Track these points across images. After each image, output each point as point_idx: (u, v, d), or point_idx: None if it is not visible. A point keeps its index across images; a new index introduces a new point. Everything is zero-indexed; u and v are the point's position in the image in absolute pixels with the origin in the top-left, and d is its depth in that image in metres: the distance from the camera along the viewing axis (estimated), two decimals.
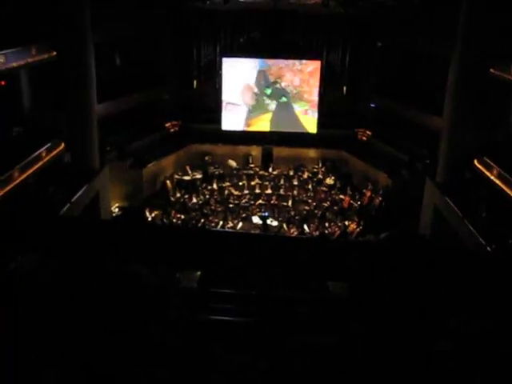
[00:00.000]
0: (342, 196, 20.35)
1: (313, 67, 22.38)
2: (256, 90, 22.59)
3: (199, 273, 5.51)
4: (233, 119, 22.88)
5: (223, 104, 22.67)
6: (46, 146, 15.47)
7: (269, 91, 22.65)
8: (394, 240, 7.01)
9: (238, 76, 22.44)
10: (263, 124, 23.01)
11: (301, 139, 23.04)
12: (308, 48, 22.80)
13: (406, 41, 20.60)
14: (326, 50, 22.84)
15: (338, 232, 17.70)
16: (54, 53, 15.75)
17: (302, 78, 22.45)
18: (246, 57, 22.45)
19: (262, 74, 22.47)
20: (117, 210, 19.31)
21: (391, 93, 22.00)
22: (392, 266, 5.41)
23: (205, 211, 19.06)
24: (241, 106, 22.71)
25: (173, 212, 18.45)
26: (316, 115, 22.75)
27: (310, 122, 22.85)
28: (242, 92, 22.58)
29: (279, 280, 5.51)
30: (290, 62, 22.34)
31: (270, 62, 22.39)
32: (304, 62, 22.38)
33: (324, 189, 20.95)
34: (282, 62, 22.36)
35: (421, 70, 21.25)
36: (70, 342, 3.53)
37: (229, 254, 6.04)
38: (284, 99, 22.72)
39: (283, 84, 22.52)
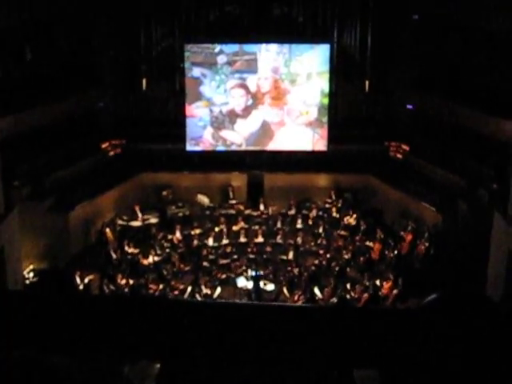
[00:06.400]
0: (369, 243, 20.40)
1: (319, 54, 22.79)
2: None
3: (158, 365, 5.50)
4: (203, 134, 23.14)
5: (193, 113, 22.94)
6: None
7: None
8: (447, 306, 7.06)
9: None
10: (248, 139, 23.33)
11: (304, 161, 23.25)
12: (311, 26, 23.22)
13: (456, 12, 20.83)
14: (338, 28, 23.25)
15: (366, 296, 17.71)
16: None
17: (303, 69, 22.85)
18: (219, 42, 22.79)
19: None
20: (31, 274, 19.17)
21: (437, 88, 22.26)
22: (444, 347, 5.44)
23: (164, 273, 18.98)
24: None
25: (119, 276, 18.33)
26: (325, 125, 23.07)
27: (315, 134, 23.17)
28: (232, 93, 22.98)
29: (280, 372, 5.51)
30: (285, 47, 22.70)
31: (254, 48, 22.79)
32: (305, 46, 22.77)
33: (342, 233, 20.98)
34: (272, 48, 22.74)
35: (481, 55, 21.18)
36: None
37: (203, 335, 6.04)
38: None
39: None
